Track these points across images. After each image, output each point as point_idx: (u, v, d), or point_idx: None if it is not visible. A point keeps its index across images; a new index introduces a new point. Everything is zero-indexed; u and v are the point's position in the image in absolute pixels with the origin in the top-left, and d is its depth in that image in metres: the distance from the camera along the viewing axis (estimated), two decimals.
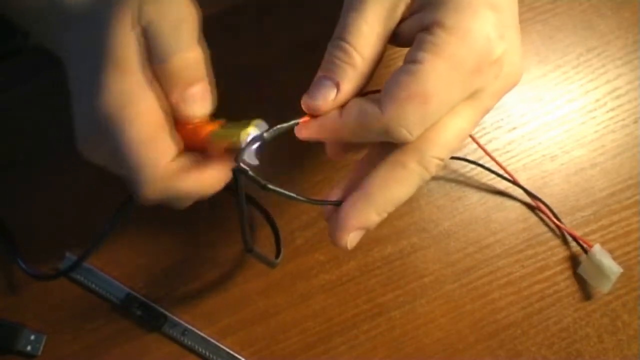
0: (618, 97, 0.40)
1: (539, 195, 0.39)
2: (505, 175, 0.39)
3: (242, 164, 0.25)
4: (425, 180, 0.26)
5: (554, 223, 0.39)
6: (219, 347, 0.37)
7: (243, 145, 0.26)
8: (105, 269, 0.38)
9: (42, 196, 0.38)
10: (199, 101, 0.28)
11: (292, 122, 0.26)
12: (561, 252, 0.39)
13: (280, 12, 0.40)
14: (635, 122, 0.40)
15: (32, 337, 0.36)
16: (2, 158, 0.39)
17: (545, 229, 0.39)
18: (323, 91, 0.26)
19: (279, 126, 0.26)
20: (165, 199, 0.28)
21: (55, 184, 0.38)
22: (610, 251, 0.39)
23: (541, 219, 0.39)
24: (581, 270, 0.38)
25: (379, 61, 0.26)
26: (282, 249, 0.37)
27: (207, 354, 0.37)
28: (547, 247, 0.39)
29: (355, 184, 0.27)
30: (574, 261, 0.39)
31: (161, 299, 0.38)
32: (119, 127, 0.27)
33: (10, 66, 0.39)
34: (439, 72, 0.23)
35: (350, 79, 0.25)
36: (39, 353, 0.36)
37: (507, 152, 0.40)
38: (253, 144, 0.25)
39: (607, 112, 0.40)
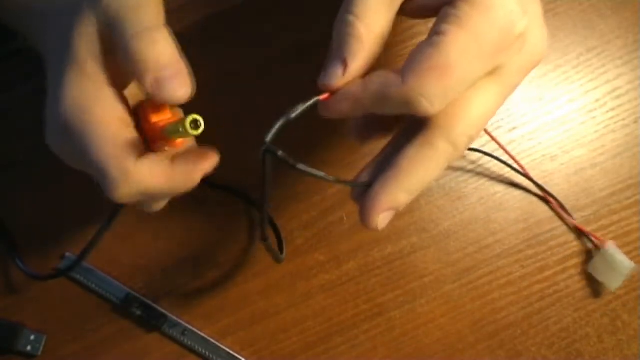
0: (618, 97, 0.40)
1: (538, 195, 0.39)
2: (518, 167, 0.39)
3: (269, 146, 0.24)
4: (454, 158, 0.26)
5: (563, 219, 0.39)
6: (219, 347, 0.37)
7: (186, 131, 0.25)
8: (105, 269, 0.38)
9: (42, 196, 0.38)
10: (176, 83, 0.26)
11: (314, 99, 0.26)
12: (561, 252, 0.39)
13: (280, 12, 0.40)
14: (635, 122, 0.40)
15: (32, 337, 0.36)
16: (2, 158, 0.39)
17: (545, 229, 0.39)
18: (331, 68, 0.26)
19: (301, 105, 0.25)
20: (138, 200, 0.28)
21: (55, 184, 0.38)
22: None
23: (541, 220, 0.39)
24: (592, 267, 0.38)
25: (388, 31, 0.26)
26: (285, 247, 0.37)
27: (207, 354, 0.37)
28: (547, 247, 0.39)
29: (384, 165, 0.26)
30: (574, 261, 0.39)
31: (161, 299, 0.38)
32: (81, 133, 0.26)
33: (10, 66, 0.39)
34: (461, 44, 0.23)
35: (356, 53, 0.25)
36: (39, 353, 0.36)
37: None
38: (281, 124, 0.25)
39: (607, 112, 0.40)
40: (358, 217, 0.27)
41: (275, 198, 0.38)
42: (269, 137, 0.24)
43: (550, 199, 0.39)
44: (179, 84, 0.26)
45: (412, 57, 0.24)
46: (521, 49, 0.25)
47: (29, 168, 0.38)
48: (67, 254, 0.37)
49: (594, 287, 0.39)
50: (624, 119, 0.40)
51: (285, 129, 0.24)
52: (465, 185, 0.39)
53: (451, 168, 0.39)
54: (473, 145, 0.39)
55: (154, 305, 0.37)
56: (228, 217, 0.38)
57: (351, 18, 0.25)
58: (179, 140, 0.28)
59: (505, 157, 0.39)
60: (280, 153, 0.24)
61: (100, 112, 0.27)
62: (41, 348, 0.36)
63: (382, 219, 0.26)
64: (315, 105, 0.26)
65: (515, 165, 0.39)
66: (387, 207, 0.26)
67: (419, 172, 0.25)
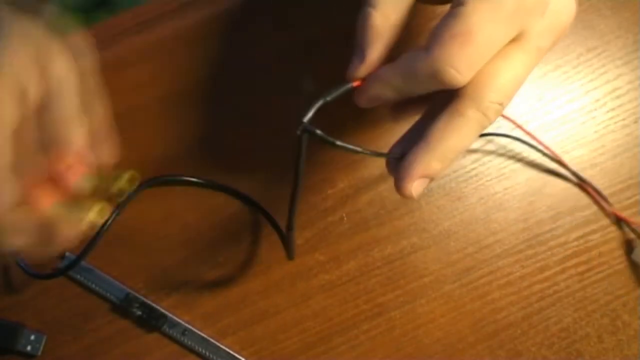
0: (618, 97, 0.40)
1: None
2: (549, 154, 0.39)
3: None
4: (484, 127, 0.26)
5: (600, 205, 0.39)
6: (219, 347, 0.37)
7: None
8: (105, 269, 0.38)
9: None
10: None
11: (347, 85, 0.27)
12: (561, 252, 0.39)
13: (281, 12, 0.40)
14: (635, 122, 0.40)
15: (32, 337, 0.36)
16: None
17: (545, 229, 0.39)
18: (353, 59, 0.27)
19: (335, 90, 0.26)
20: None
21: None
22: (611, 251, 0.39)
23: (541, 220, 0.39)
24: (636, 254, 0.38)
25: (406, 19, 0.27)
26: (293, 245, 0.37)
27: (207, 354, 0.37)
28: (547, 247, 0.39)
29: (416, 137, 0.27)
30: (574, 261, 0.39)
31: (161, 299, 0.38)
32: None
33: None
34: (481, 10, 0.24)
35: (372, 42, 0.27)
36: (39, 353, 0.36)
37: (507, 152, 0.40)
38: (319, 105, 0.26)
39: (607, 112, 0.40)
40: (394, 186, 0.27)
41: (275, 198, 0.38)
42: (306, 118, 0.25)
43: (588, 187, 0.39)
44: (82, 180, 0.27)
45: (435, 30, 0.25)
46: (543, 11, 0.25)
47: None
48: (67, 253, 0.37)
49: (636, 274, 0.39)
50: (624, 119, 0.40)
51: (321, 110, 0.26)
52: (465, 185, 0.39)
53: (451, 168, 0.39)
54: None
55: (154, 305, 0.37)
56: (228, 217, 0.38)
57: (369, 9, 0.26)
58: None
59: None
60: (318, 132, 0.25)
61: None
62: (41, 348, 0.36)
63: (415, 186, 0.27)
64: (349, 91, 0.27)
65: (547, 152, 0.39)
66: (420, 174, 0.27)
67: (450, 140, 0.26)
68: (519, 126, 0.39)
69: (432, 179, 0.28)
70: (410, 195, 0.27)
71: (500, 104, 0.26)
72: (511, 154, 0.40)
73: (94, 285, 0.37)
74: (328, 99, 0.26)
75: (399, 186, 0.27)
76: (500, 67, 0.25)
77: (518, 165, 0.40)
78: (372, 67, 0.27)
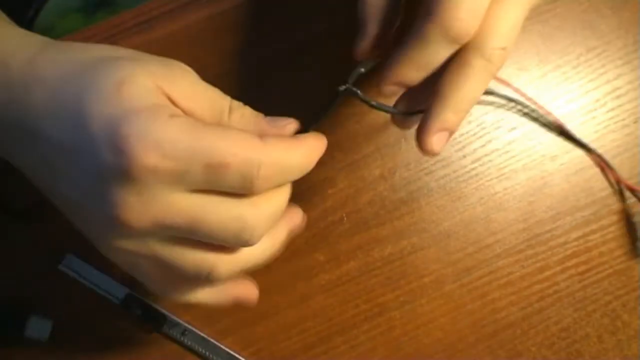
0: (618, 97, 0.40)
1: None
2: (543, 113, 0.39)
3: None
4: (492, 73, 0.27)
5: (614, 180, 0.39)
6: (219, 347, 0.37)
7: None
8: (105, 269, 0.37)
9: (42, 195, 0.38)
10: None
11: (374, 61, 0.30)
12: (561, 252, 0.39)
13: (281, 12, 0.40)
14: (635, 122, 0.40)
15: (39, 323, 0.36)
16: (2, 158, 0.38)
17: (545, 229, 0.39)
18: (357, 37, 0.29)
19: (367, 63, 0.29)
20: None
21: None
22: (611, 251, 0.39)
23: (541, 219, 0.39)
24: None
25: None
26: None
27: (207, 354, 0.37)
28: (547, 247, 0.39)
29: (425, 92, 0.28)
30: (574, 261, 0.39)
31: (161, 299, 0.38)
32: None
33: None
34: None
35: (368, 16, 0.28)
36: (46, 338, 0.36)
37: (507, 152, 0.40)
38: (358, 72, 0.29)
39: (607, 112, 0.40)
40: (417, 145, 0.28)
41: None
42: (351, 81, 0.29)
43: (600, 161, 0.39)
44: None
45: None
46: None
47: None
48: (67, 254, 0.37)
49: None
50: (623, 119, 0.40)
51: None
52: (465, 185, 0.39)
53: (451, 168, 0.39)
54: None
55: (154, 305, 0.37)
56: None
57: None
58: None
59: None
60: (359, 92, 0.29)
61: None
62: (48, 333, 0.36)
63: (435, 141, 0.28)
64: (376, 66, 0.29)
65: (541, 111, 0.40)
66: (438, 128, 0.28)
67: (460, 91, 0.27)
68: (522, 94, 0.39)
69: (452, 133, 0.28)
70: (432, 149, 0.28)
71: (503, 49, 0.26)
72: (511, 154, 0.40)
73: (94, 286, 0.37)
74: (363, 70, 0.29)
75: (420, 143, 0.28)
76: (498, 13, 0.26)
77: (518, 165, 0.40)
78: (374, 41, 0.28)
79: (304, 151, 0.27)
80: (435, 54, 0.26)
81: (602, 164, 0.39)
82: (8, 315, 0.36)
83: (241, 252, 0.27)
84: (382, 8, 0.28)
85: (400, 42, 0.27)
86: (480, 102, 0.40)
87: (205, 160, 0.23)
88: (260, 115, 0.28)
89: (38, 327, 0.36)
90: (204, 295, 0.30)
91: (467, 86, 0.27)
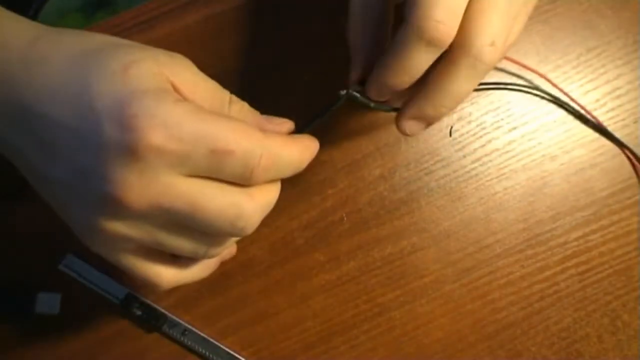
0: (618, 97, 0.40)
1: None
2: (589, 118, 0.39)
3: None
4: (483, 70, 0.26)
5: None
6: (219, 347, 0.37)
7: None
8: (105, 269, 0.37)
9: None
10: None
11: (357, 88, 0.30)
12: (561, 252, 0.39)
13: (281, 12, 0.40)
14: (635, 122, 0.40)
15: (47, 298, 0.36)
16: (2, 158, 0.38)
17: (545, 229, 0.39)
18: (350, 70, 0.30)
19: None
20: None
21: None
22: (611, 251, 0.39)
23: (541, 219, 0.39)
24: None
25: (384, 18, 0.29)
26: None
27: (207, 354, 0.37)
28: (547, 247, 0.39)
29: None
30: (574, 261, 0.39)
31: (161, 299, 0.38)
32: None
33: None
34: None
35: (356, 57, 0.29)
36: (57, 311, 0.36)
37: (507, 152, 0.40)
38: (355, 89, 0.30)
39: (607, 112, 0.40)
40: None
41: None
42: (352, 85, 0.30)
43: (626, 151, 0.39)
44: None
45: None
46: None
47: None
48: (67, 254, 0.37)
49: None
50: (623, 119, 0.40)
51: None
52: (465, 185, 0.39)
53: (451, 168, 0.39)
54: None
55: (154, 305, 0.37)
56: None
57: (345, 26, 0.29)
58: None
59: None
60: (359, 96, 0.29)
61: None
62: (58, 305, 0.36)
63: (410, 125, 0.29)
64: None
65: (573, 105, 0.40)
66: (414, 116, 0.29)
67: (445, 89, 0.27)
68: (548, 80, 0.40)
69: (429, 124, 0.29)
70: (404, 132, 0.30)
71: (492, 45, 0.25)
72: (511, 154, 0.40)
73: (94, 286, 0.37)
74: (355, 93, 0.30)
75: (395, 121, 0.30)
76: (482, 8, 0.25)
77: (518, 165, 0.40)
78: (365, 70, 0.29)
79: (300, 149, 0.27)
80: (416, 58, 0.26)
81: (634, 158, 0.39)
82: (17, 292, 0.36)
83: None
84: (368, 39, 0.29)
85: (385, 49, 0.27)
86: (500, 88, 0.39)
87: (210, 145, 0.23)
88: (258, 112, 0.29)
89: (48, 302, 0.36)
90: (192, 274, 0.30)
91: (451, 85, 0.26)
